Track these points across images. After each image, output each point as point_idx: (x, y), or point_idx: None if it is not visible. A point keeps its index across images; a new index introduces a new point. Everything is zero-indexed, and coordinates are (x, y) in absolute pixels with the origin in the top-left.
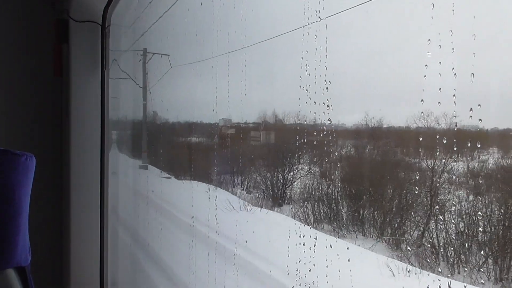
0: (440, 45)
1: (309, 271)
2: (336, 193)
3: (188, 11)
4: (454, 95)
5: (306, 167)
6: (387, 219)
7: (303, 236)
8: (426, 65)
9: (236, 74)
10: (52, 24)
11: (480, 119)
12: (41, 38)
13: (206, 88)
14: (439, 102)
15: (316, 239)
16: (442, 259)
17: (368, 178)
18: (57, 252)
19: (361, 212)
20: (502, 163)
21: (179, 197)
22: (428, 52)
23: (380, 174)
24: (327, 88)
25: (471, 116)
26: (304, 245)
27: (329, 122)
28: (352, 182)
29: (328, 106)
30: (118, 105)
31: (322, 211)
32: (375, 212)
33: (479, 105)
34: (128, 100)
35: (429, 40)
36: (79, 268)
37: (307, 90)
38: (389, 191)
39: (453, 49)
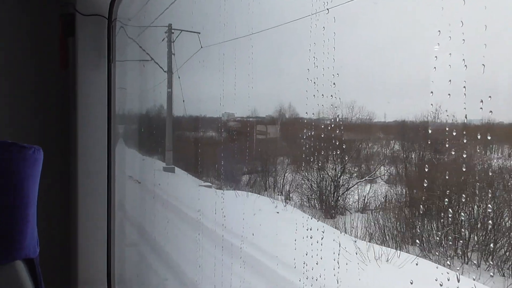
0: (450, 36)
1: None
2: (418, 203)
3: (195, 4)
4: (464, 87)
5: (357, 168)
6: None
7: None
8: (436, 56)
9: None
10: (58, 18)
11: None
12: (47, 31)
13: (222, 81)
14: (449, 94)
15: None
16: None
17: (460, 186)
18: (64, 244)
19: (461, 231)
20: None
21: (262, 232)
22: (438, 43)
23: (480, 181)
24: (333, 83)
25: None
26: None
27: (372, 117)
28: (436, 190)
29: (335, 98)
30: (130, 96)
31: (402, 228)
32: (483, 233)
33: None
34: (142, 90)
35: (439, 31)
36: (86, 260)
37: (314, 82)
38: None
39: (463, 40)
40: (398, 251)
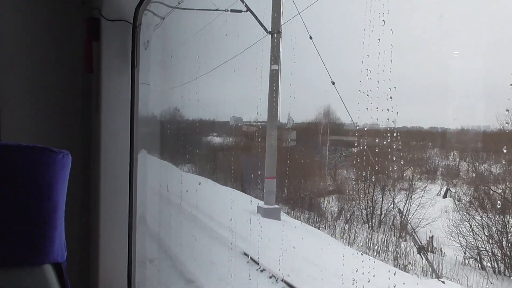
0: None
1: None
2: None
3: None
4: None
5: None
6: None
7: None
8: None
9: None
10: (84, 22)
11: None
12: (73, 35)
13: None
14: None
15: None
16: None
17: None
18: (85, 249)
19: None
20: None
21: None
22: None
23: None
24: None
25: None
26: None
27: None
28: None
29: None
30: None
31: None
32: None
33: None
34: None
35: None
36: (107, 265)
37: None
38: None
39: None
40: None
